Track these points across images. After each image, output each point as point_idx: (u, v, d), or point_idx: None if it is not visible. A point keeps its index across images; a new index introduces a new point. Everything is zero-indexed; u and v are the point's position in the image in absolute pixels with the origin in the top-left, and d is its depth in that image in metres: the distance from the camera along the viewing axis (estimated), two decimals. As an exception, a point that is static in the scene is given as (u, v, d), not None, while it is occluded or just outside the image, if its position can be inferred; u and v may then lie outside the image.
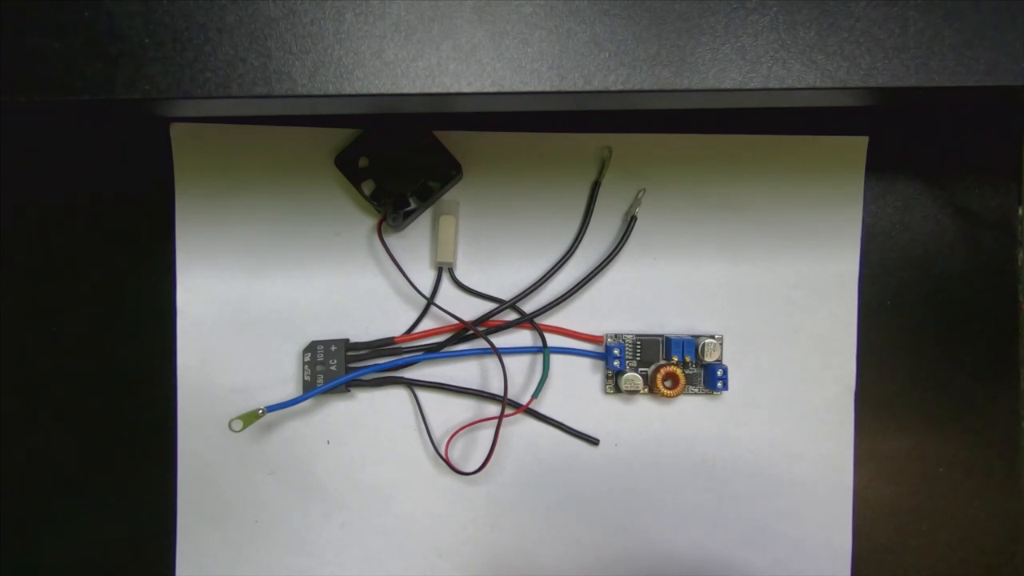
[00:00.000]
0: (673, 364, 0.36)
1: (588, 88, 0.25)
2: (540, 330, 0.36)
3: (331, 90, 0.25)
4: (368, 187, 0.35)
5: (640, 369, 0.36)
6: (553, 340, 0.36)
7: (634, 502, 0.36)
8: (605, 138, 0.36)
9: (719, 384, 0.36)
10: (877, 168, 0.36)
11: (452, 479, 0.36)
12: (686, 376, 0.36)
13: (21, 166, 0.36)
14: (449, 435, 0.36)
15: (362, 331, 0.36)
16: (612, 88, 0.25)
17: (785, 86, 0.25)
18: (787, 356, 0.37)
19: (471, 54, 0.25)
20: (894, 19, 0.25)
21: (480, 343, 0.36)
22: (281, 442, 0.36)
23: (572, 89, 0.25)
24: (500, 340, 0.36)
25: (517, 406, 0.36)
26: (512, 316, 0.36)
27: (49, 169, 0.36)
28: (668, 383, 0.36)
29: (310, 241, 0.36)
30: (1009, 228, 0.37)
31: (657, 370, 0.36)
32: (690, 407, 0.37)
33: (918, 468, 0.37)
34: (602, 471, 0.36)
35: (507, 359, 0.36)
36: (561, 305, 0.36)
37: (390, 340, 0.36)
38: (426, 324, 0.36)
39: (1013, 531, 0.37)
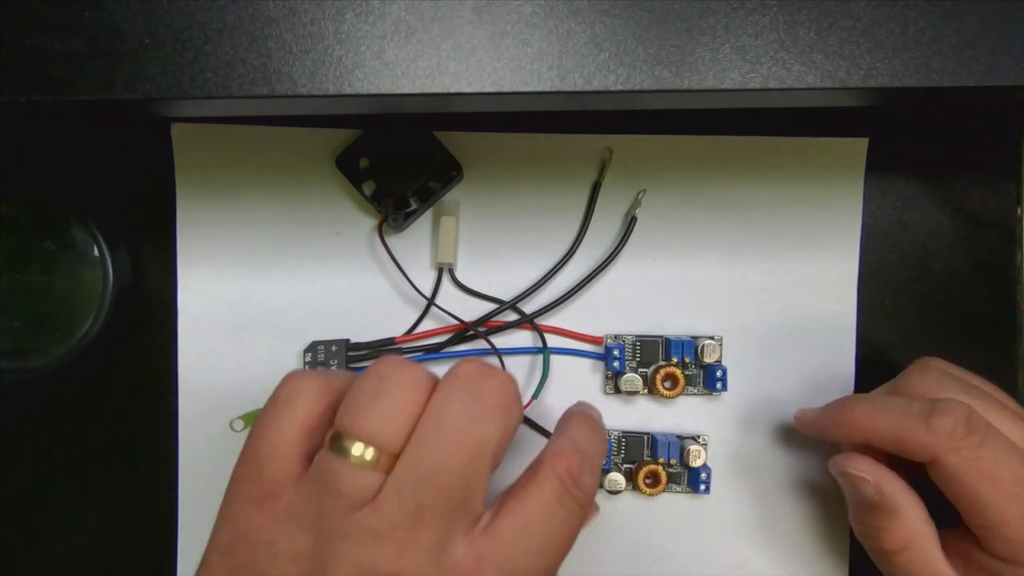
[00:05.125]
0: (673, 365, 0.36)
1: (588, 88, 0.25)
2: (540, 331, 0.36)
3: (331, 90, 0.25)
4: (369, 187, 0.35)
5: (640, 370, 0.36)
6: (553, 341, 0.36)
7: (633, 502, 0.36)
8: (605, 139, 0.36)
9: (718, 385, 0.36)
10: (877, 169, 0.36)
11: (452, 479, 0.36)
12: (685, 377, 0.36)
13: (21, 167, 0.36)
14: (449, 435, 0.36)
15: (363, 331, 0.36)
16: (612, 88, 0.25)
17: (785, 86, 0.25)
18: (787, 356, 0.37)
19: (471, 54, 0.25)
20: (894, 19, 0.25)
21: (480, 344, 0.36)
22: (281, 442, 0.36)
23: (572, 89, 0.25)
24: (500, 341, 0.36)
25: (517, 406, 0.36)
26: (512, 317, 0.36)
27: (49, 169, 0.36)
28: (668, 384, 0.36)
29: (311, 241, 0.36)
30: (1009, 228, 0.37)
31: (657, 371, 0.36)
32: (689, 408, 0.37)
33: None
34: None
35: (507, 359, 0.36)
36: (561, 306, 0.36)
37: (391, 340, 0.36)
38: (426, 324, 0.36)
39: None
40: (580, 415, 0.29)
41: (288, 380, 0.26)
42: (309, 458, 0.24)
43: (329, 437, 0.24)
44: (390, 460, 0.23)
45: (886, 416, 0.29)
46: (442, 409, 0.24)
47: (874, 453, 0.30)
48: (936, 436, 0.28)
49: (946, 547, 0.29)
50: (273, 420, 0.25)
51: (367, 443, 0.23)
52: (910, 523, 0.29)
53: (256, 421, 0.25)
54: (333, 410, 0.25)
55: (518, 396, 0.25)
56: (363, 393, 0.24)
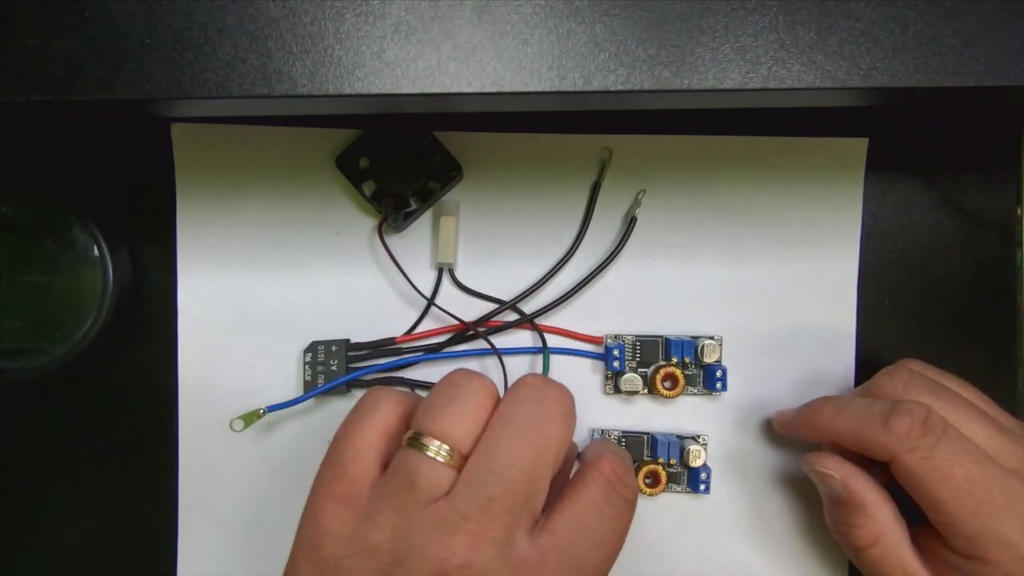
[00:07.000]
0: (672, 365, 0.36)
1: (588, 88, 0.25)
2: (540, 331, 0.36)
3: (331, 90, 0.25)
4: (369, 188, 0.35)
5: (640, 370, 0.36)
6: (553, 341, 0.36)
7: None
8: (605, 139, 0.36)
9: (718, 385, 0.36)
10: (877, 168, 0.36)
11: (452, 479, 0.36)
12: (685, 377, 0.36)
13: (21, 167, 0.36)
14: (449, 435, 0.36)
15: (363, 331, 0.36)
16: (612, 88, 0.25)
17: (785, 86, 0.25)
18: (787, 356, 0.37)
19: (471, 54, 0.25)
20: (894, 19, 0.25)
21: (480, 344, 0.36)
22: (282, 442, 0.36)
23: (572, 89, 0.25)
24: (500, 341, 0.36)
25: (517, 406, 0.36)
26: (512, 317, 0.36)
27: (49, 169, 0.36)
28: (667, 384, 0.36)
29: (311, 241, 0.36)
30: (1009, 228, 0.37)
31: (656, 371, 0.36)
32: (689, 408, 0.37)
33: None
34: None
35: (507, 359, 0.36)
36: (561, 306, 0.36)
37: (391, 340, 0.36)
38: (427, 324, 0.36)
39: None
40: (599, 440, 0.32)
41: (370, 392, 0.29)
42: (386, 463, 0.27)
43: (407, 436, 0.26)
44: (461, 459, 0.25)
45: (849, 417, 0.30)
46: (510, 412, 0.26)
47: (845, 453, 0.31)
48: (893, 436, 0.28)
49: (917, 544, 0.30)
50: (356, 425, 0.27)
51: (442, 440, 0.25)
52: (878, 519, 0.30)
53: (340, 428, 0.28)
54: (408, 421, 0.27)
55: (574, 406, 0.28)
56: (439, 397, 0.27)
